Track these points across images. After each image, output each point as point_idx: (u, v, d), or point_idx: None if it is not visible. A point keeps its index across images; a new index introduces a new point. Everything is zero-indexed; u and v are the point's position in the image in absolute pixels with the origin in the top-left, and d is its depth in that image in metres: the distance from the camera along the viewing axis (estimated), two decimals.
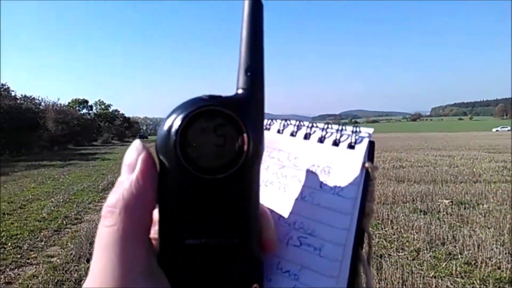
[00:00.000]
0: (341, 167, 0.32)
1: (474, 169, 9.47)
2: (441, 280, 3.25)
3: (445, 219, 4.96)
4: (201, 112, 0.26)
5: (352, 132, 0.33)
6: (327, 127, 0.35)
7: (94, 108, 60.99)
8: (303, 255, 0.31)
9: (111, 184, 8.65)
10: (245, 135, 0.26)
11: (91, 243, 4.28)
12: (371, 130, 0.33)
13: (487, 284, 3.17)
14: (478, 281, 3.20)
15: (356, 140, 0.32)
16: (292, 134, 0.36)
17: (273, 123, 0.38)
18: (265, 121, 0.37)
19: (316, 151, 0.34)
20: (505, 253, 3.72)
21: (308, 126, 0.35)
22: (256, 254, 0.29)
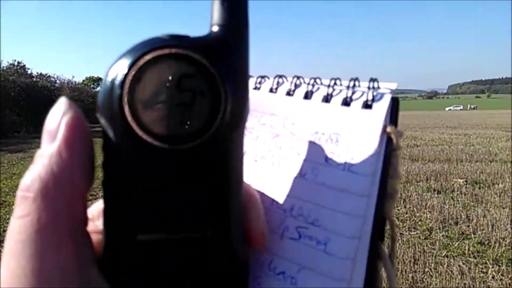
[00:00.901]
0: (354, 133, 0.25)
1: (490, 148, 9.30)
2: (453, 259, 3.24)
3: (459, 199, 4.91)
4: (158, 56, 0.19)
5: (369, 88, 0.25)
6: (334, 83, 0.27)
7: None
8: (303, 251, 0.24)
9: None
10: (221, 89, 0.20)
11: None
12: (394, 86, 0.25)
13: (499, 265, 3.16)
14: (491, 261, 3.19)
15: (374, 97, 0.25)
16: (288, 93, 0.28)
17: (264, 80, 0.30)
18: (255, 79, 0.30)
19: (320, 114, 0.26)
20: None
21: (309, 83, 0.28)
22: (238, 251, 0.22)
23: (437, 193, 5.20)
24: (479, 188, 5.45)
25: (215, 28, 0.21)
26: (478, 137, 12.22)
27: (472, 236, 3.71)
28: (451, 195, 5.11)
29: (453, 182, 5.80)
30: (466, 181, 5.82)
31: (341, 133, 0.25)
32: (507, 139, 11.59)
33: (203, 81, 0.20)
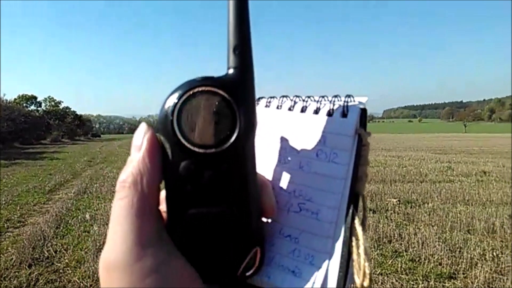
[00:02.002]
0: (335, 135, 0.34)
1: (421, 169, 9.89)
2: (387, 277, 3.36)
3: (392, 218, 5.14)
4: (195, 92, 0.29)
5: (345, 101, 0.35)
6: (322, 99, 0.36)
7: (43, 104, 57.99)
8: (302, 220, 0.34)
9: (59, 185, 8.32)
10: (236, 112, 0.29)
11: (34, 248, 4.08)
12: (364, 99, 0.34)
13: (428, 280, 3.32)
14: (421, 277, 3.34)
15: (348, 109, 0.34)
16: (289, 109, 0.38)
17: (273, 100, 0.40)
18: (266, 99, 0.41)
19: (312, 123, 0.36)
20: (446, 250, 3.92)
21: (304, 100, 0.38)
22: (254, 220, 0.32)
23: (373, 213, 5.41)
24: (411, 207, 5.75)
25: (231, 70, 0.30)
26: (410, 158, 12.97)
27: (404, 253, 3.88)
28: (385, 214, 5.34)
29: (387, 202, 6.06)
30: (399, 201, 6.11)
31: (327, 135, 0.34)
32: (436, 160, 12.41)
33: (225, 107, 0.29)
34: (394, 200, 6.14)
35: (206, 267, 0.30)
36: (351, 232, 0.32)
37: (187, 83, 0.29)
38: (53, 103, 60.86)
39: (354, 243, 0.32)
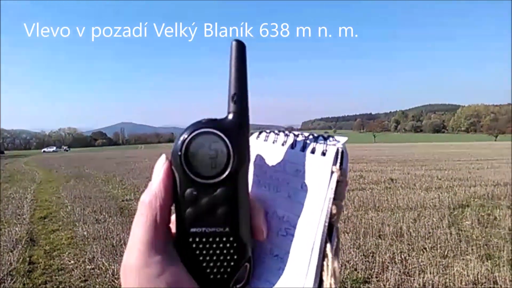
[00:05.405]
0: (316, 170, 0.38)
1: None
2: None
3: None
4: (199, 132, 0.35)
5: (324, 141, 0.39)
6: (308, 137, 0.41)
7: None
8: (287, 242, 0.38)
9: None
10: (231, 150, 0.35)
11: None
12: (343, 139, 0.39)
13: (346, 286, 3.49)
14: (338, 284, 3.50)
15: (327, 148, 0.38)
16: (282, 144, 0.42)
17: (270, 134, 0.45)
18: (265, 133, 0.46)
19: (299, 158, 0.40)
20: (361, 256, 4.17)
21: (295, 135, 0.42)
22: (244, 240, 0.37)
23: None
24: None
25: (230, 115, 0.36)
26: None
27: None
28: None
29: None
30: None
31: (310, 170, 0.38)
32: (349, 169, 13.14)
33: (222, 146, 0.35)
34: None
35: (203, 277, 0.36)
36: (323, 257, 0.36)
37: (195, 124, 0.35)
38: None
39: (325, 267, 0.36)
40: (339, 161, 0.37)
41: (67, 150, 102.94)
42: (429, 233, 5.02)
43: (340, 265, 0.36)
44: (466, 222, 5.60)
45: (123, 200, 8.13)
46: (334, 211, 0.36)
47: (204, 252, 0.36)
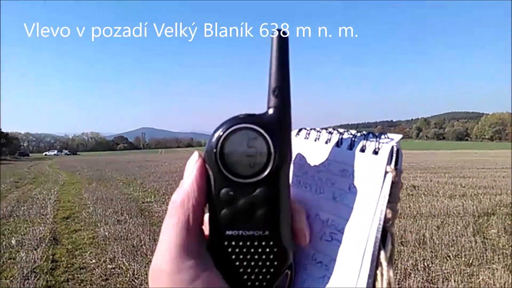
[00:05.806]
0: (367, 171, 0.34)
1: None
2: None
3: None
4: (236, 128, 0.32)
5: (376, 139, 0.35)
6: (356, 135, 0.37)
7: None
8: (333, 248, 0.35)
9: None
10: (271, 148, 0.32)
11: None
12: (398, 137, 0.35)
13: None
14: None
15: (380, 146, 0.34)
16: (326, 142, 0.39)
17: (311, 132, 0.42)
18: (306, 131, 0.43)
19: (346, 157, 0.36)
20: None
21: (341, 133, 0.39)
22: (285, 244, 0.34)
23: None
24: None
25: (270, 110, 0.33)
26: None
27: None
28: None
29: None
30: None
31: (359, 171, 0.35)
32: None
33: (262, 143, 0.32)
34: None
35: (239, 285, 0.33)
36: (377, 265, 0.33)
37: (231, 119, 0.33)
38: None
39: (379, 277, 0.32)
40: (393, 160, 0.34)
41: (68, 154, 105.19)
42: (453, 240, 4.89)
43: (393, 274, 0.32)
44: (492, 230, 5.43)
45: (143, 202, 8.22)
46: (389, 215, 0.33)
47: (241, 257, 0.33)
